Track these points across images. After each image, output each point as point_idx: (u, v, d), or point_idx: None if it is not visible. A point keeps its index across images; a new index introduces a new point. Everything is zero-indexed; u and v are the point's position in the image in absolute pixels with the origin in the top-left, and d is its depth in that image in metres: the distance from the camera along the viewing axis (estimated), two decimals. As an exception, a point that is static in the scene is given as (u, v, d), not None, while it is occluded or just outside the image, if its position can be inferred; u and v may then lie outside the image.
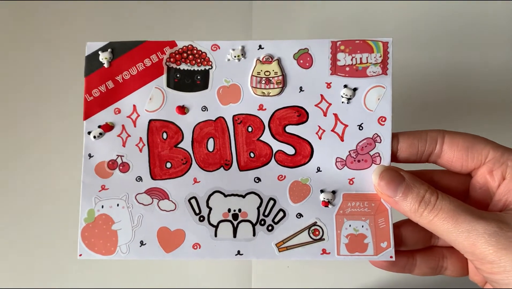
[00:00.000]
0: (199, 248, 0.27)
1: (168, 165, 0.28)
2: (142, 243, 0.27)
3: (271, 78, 0.28)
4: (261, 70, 0.28)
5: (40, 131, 0.43)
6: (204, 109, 0.28)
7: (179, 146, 0.28)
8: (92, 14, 0.45)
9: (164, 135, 0.28)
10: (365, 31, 0.43)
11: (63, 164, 0.42)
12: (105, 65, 0.28)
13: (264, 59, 0.28)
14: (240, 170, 0.28)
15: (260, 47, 0.28)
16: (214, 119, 0.28)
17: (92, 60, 0.28)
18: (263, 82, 0.28)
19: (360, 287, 0.38)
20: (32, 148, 0.42)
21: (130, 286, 0.39)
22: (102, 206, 0.28)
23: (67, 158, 0.41)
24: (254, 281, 0.40)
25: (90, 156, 0.28)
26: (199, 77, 0.28)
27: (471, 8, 0.44)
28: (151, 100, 0.28)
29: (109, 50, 0.28)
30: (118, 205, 0.28)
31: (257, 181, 0.28)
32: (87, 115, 0.28)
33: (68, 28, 0.45)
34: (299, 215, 0.28)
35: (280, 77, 0.28)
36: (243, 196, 0.28)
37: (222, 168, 0.28)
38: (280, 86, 0.28)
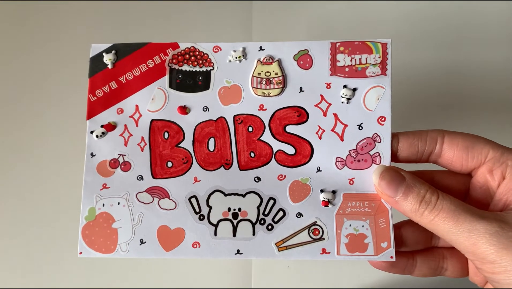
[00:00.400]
0: (199, 247, 0.27)
1: (169, 164, 0.28)
2: (142, 242, 0.27)
3: (271, 79, 0.28)
4: (262, 71, 0.28)
5: (42, 131, 0.43)
6: (205, 109, 0.28)
7: (180, 145, 0.28)
8: (95, 16, 0.46)
9: (166, 135, 0.28)
10: (365, 31, 0.44)
11: (65, 163, 0.42)
12: (109, 66, 0.29)
13: (265, 60, 0.28)
14: (241, 169, 0.28)
15: (260, 48, 0.28)
16: (215, 119, 0.28)
17: (96, 61, 0.29)
18: (264, 82, 0.28)
19: (360, 287, 0.38)
20: (34, 147, 0.43)
21: (130, 285, 0.39)
22: (103, 205, 0.28)
23: (69, 157, 0.42)
24: (254, 281, 0.40)
25: (92, 155, 0.28)
26: (200, 78, 0.29)
27: (469, 8, 0.44)
28: (153, 101, 0.29)
29: (113, 51, 0.29)
30: (119, 203, 0.28)
31: (257, 180, 0.28)
32: (90, 114, 0.29)
33: (72, 29, 0.46)
34: (299, 215, 0.28)
35: (281, 78, 0.28)
36: (243, 196, 0.28)
37: (222, 167, 0.28)
38: (281, 86, 0.28)
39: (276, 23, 0.44)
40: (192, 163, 0.28)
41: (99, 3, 0.46)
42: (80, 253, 0.27)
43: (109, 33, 0.45)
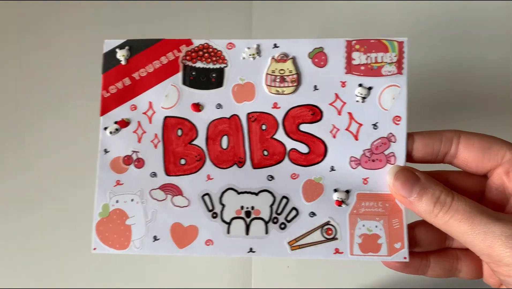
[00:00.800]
0: (212, 244, 0.27)
1: (182, 161, 0.28)
2: (155, 239, 0.28)
3: (285, 77, 0.28)
4: (276, 69, 0.28)
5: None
6: (218, 107, 0.28)
7: (193, 143, 0.28)
8: (95, 16, 0.46)
9: (179, 132, 0.28)
10: (365, 31, 0.43)
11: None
12: (123, 62, 0.29)
13: (279, 58, 0.28)
14: (254, 167, 0.28)
15: (275, 45, 0.28)
16: (228, 116, 0.28)
17: (109, 57, 0.29)
18: (278, 80, 0.28)
19: (360, 287, 0.38)
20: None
21: (130, 285, 0.39)
22: (117, 201, 0.28)
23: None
24: (254, 281, 0.40)
25: (106, 151, 0.28)
26: (214, 75, 0.28)
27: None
28: (167, 97, 0.28)
29: (126, 47, 0.28)
30: (132, 200, 0.28)
31: (270, 179, 0.28)
32: (104, 111, 0.29)
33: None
34: (312, 214, 0.28)
35: (295, 76, 0.28)
36: (256, 194, 0.28)
37: (235, 165, 0.28)
38: (295, 84, 0.28)
39: (276, 23, 0.44)
40: (205, 161, 0.28)
41: (98, 3, 0.46)
42: (94, 249, 0.28)
43: (108, 33, 0.44)
